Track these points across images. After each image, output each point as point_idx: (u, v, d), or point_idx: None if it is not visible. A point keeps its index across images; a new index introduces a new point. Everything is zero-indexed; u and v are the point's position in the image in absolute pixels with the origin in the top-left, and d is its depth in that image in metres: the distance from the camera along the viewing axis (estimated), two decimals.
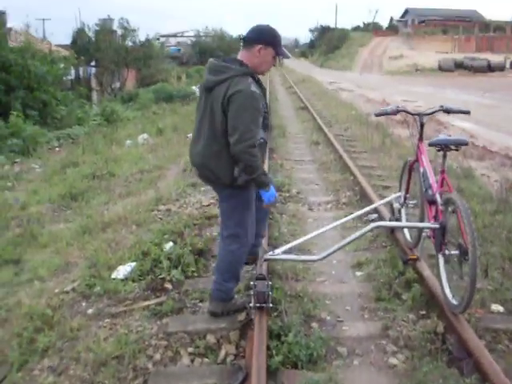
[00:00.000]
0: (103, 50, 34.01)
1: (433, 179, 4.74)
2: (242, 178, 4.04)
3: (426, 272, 4.86)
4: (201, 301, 4.81)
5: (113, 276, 5.28)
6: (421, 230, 4.94)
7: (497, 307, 4.56)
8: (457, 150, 4.67)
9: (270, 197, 4.19)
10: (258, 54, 4.04)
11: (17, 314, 4.69)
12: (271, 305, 4.29)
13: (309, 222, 7.01)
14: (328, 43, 76.26)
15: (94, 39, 37.37)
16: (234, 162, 3.99)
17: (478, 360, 3.62)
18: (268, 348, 3.87)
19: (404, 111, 5.18)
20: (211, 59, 4.21)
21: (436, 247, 4.56)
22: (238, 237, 4.31)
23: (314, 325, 4.35)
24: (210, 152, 4.05)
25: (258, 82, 4.08)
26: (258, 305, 4.20)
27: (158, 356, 3.98)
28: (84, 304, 4.86)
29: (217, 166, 4.06)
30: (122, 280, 5.19)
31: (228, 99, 3.84)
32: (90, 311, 4.70)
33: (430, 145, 4.73)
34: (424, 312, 4.49)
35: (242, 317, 4.36)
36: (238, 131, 3.84)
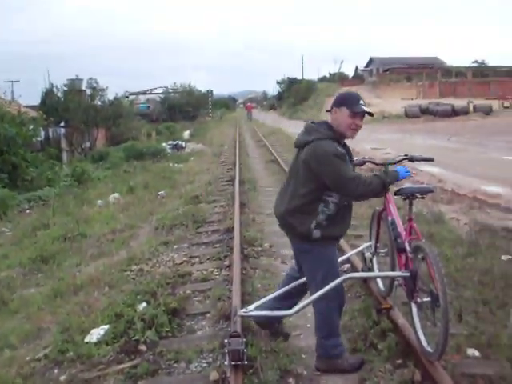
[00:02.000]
0: (72, 110, 34.08)
1: (401, 228, 4.78)
2: (316, 232, 4.30)
3: (401, 320, 4.87)
4: (176, 361, 4.76)
5: (86, 340, 5.20)
6: (392, 278, 4.96)
7: (472, 352, 4.56)
8: (422, 198, 4.73)
9: (404, 174, 4.49)
10: (335, 115, 4.37)
11: None
12: (246, 362, 4.24)
13: (282, 275, 6.95)
14: (295, 95, 77.12)
15: (62, 99, 37.42)
16: (311, 217, 4.31)
17: None
18: None
19: (370, 162, 5.25)
20: (309, 121, 4.62)
21: (408, 295, 4.57)
22: (326, 295, 4.38)
23: (291, 380, 4.32)
24: (290, 206, 4.39)
25: (345, 146, 4.43)
26: (232, 363, 4.15)
27: None
28: (56, 371, 4.76)
29: (295, 219, 4.39)
30: (96, 344, 5.12)
31: (317, 160, 4.21)
32: (62, 378, 4.60)
33: (396, 194, 4.80)
34: (400, 361, 4.48)
35: (216, 376, 4.31)
36: (341, 187, 4.21)
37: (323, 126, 4.38)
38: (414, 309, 4.47)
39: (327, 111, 4.56)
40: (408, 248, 4.54)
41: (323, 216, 4.28)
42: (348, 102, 4.35)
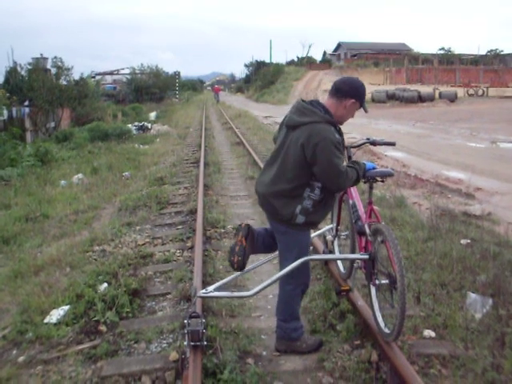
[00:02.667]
0: (37, 89, 33.44)
1: (361, 211, 4.84)
2: (300, 218, 4.22)
3: (360, 302, 4.94)
4: (136, 342, 4.76)
5: (46, 321, 5.17)
6: (352, 261, 5.01)
7: (429, 333, 4.66)
8: (382, 182, 4.77)
9: (369, 166, 4.62)
10: (347, 107, 4.21)
11: None
12: (205, 343, 4.26)
13: None
14: (263, 78, 77.08)
15: (27, 78, 36.79)
16: (296, 202, 4.20)
17: None
18: None
19: (369, 143, 5.27)
20: (300, 99, 4.35)
21: (367, 277, 4.63)
22: (292, 277, 4.42)
23: (250, 361, 4.36)
24: (275, 188, 4.25)
25: (339, 132, 4.24)
26: (192, 343, 4.16)
27: None
28: (15, 352, 4.72)
29: (278, 202, 4.24)
30: (55, 324, 5.10)
31: (313, 146, 3.98)
32: (21, 359, 4.56)
33: None
34: (358, 342, 4.55)
35: (176, 356, 4.32)
36: (331, 179, 4.08)
37: (319, 108, 4.17)
38: (373, 291, 4.54)
39: (331, 93, 4.26)
40: (368, 231, 4.58)
41: (309, 202, 4.19)
42: (361, 96, 4.26)
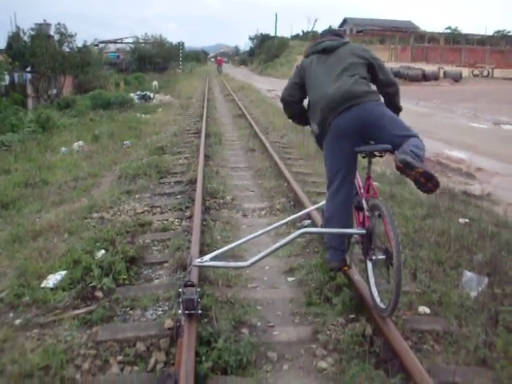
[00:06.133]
0: (39, 55, 33.22)
1: (359, 185, 4.84)
2: None
3: (356, 277, 4.95)
4: (131, 308, 4.78)
5: (42, 285, 5.18)
6: (349, 235, 5.01)
7: (424, 309, 4.68)
8: (381, 157, 4.73)
9: None
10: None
11: None
12: (200, 311, 4.28)
13: (242, 228, 7.04)
14: (267, 51, 76.59)
15: (29, 44, 36.53)
16: None
17: (403, 361, 3.70)
18: (197, 354, 3.86)
19: None
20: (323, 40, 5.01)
21: (364, 252, 4.64)
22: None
23: (245, 330, 4.37)
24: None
25: None
26: (186, 312, 4.19)
27: (86, 365, 3.92)
28: (11, 314, 4.75)
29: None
30: (52, 289, 5.11)
31: (370, 55, 4.89)
32: (17, 322, 4.58)
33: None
34: (353, 316, 4.56)
35: (171, 324, 4.34)
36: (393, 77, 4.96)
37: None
38: (369, 266, 4.55)
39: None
40: (365, 206, 4.58)
41: None
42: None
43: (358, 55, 4.76)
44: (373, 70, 4.77)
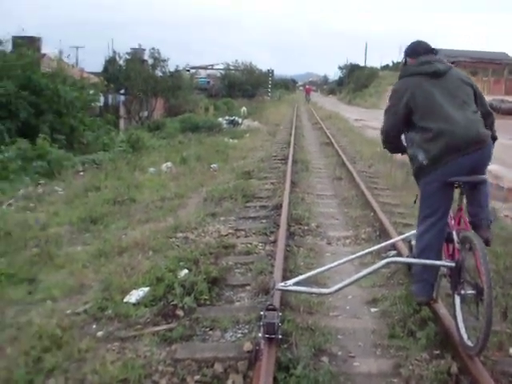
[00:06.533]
0: (133, 78, 34.34)
1: (450, 217, 4.67)
2: None
3: (442, 311, 4.77)
4: (211, 329, 4.77)
5: (125, 300, 5.27)
6: (437, 268, 4.85)
7: None
8: (475, 188, 4.57)
9: None
10: None
11: (27, 332, 4.68)
12: (280, 336, 4.22)
13: (326, 256, 6.95)
14: (356, 81, 76.27)
15: (124, 68, 37.77)
16: None
17: None
18: (275, 380, 3.81)
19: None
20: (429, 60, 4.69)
21: (452, 286, 4.48)
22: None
23: (325, 359, 4.28)
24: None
25: None
26: (266, 335, 4.13)
27: (163, 382, 3.93)
28: (94, 326, 4.84)
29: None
30: (134, 304, 5.18)
31: (474, 83, 4.75)
32: (99, 334, 4.67)
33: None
34: (438, 352, 4.38)
35: (250, 347, 4.30)
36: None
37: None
38: (457, 300, 4.38)
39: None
40: (456, 238, 4.43)
41: None
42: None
43: (466, 82, 4.60)
44: (475, 98, 4.61)
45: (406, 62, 4.90)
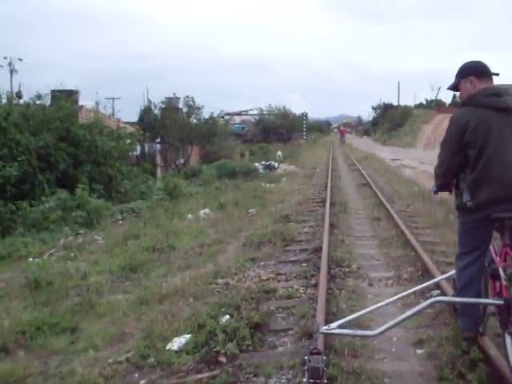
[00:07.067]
0: (168, 126, 34.86)
1: (495, 254, 4.56)
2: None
3: (493, 351, 4.61)
4: (255, 375, 4.69)
5: (167, 347, 5.24)
6: (485, 306, 4.73)
7: None
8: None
9: None
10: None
11: (70, 382, 4.69)
12: (326, 381, 4.13)
13: (369, 297, 6.84)
14: (391, 121, 76.19)
15: (159, 116, 38.38)
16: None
17: None
18: None
19: None
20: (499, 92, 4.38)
21: (501, 325, 4.34)
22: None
23: None
24: None
25: None
26: (311, 380, 4.04)
27: None
28: (137, 375, 4.82)
29: None
30: (177, 352, 5.15)
31: None
32: (142, 382, 4.65)
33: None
34: None
35: None
36: None
37: None
38: (509, 340, 4.24)
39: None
40: (503, 275, 4.30)
41: None
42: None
43: None
44: None
45: (456, 85, 4.66)
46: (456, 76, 4.64)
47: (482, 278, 4.50)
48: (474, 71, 4.50)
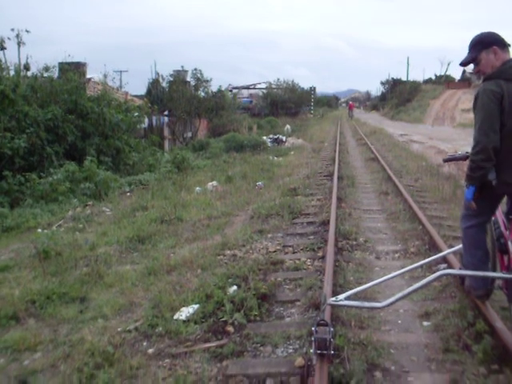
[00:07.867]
0: (176, 99, 34.73)
1: (504, 227, 4.55)
2: None
3: (498, 324, 4.63)
4: (262, 345, 4.74)
5: (175, 317, 5.30)
6: (492, 280, 4.74)
7: None
8: None
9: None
10: None
11: (79, 349, 4.74)
12: (332, 351, 4.16)
13: (375, 270, 6.85)
14: (399, 96, 75.71)
15: (167, 89, 38.26)
16: None
17: None
18: None
19: None
20: None
21: (509, 298, 4.36)
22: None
23: (378, 374, 4.19)
24: None
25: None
26: (318, 351, 4.07)
27: None
28: (145, 343, 4.87)
29: None
30: (184, 321, 5.20)
31: None
32: (150, 351, 4.70)
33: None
34: (496, 366, 4.24)
35: (302, 362, 4.25)
36: None
37: None
38: None
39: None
40: (511, 249, 4.31)
41: None
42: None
43: None
44: None
45: (475, 58, 4.37)
46: (473, 47, 4.37)
47: (486, 240, 4.52)
48: (496, 41, 4.31)
